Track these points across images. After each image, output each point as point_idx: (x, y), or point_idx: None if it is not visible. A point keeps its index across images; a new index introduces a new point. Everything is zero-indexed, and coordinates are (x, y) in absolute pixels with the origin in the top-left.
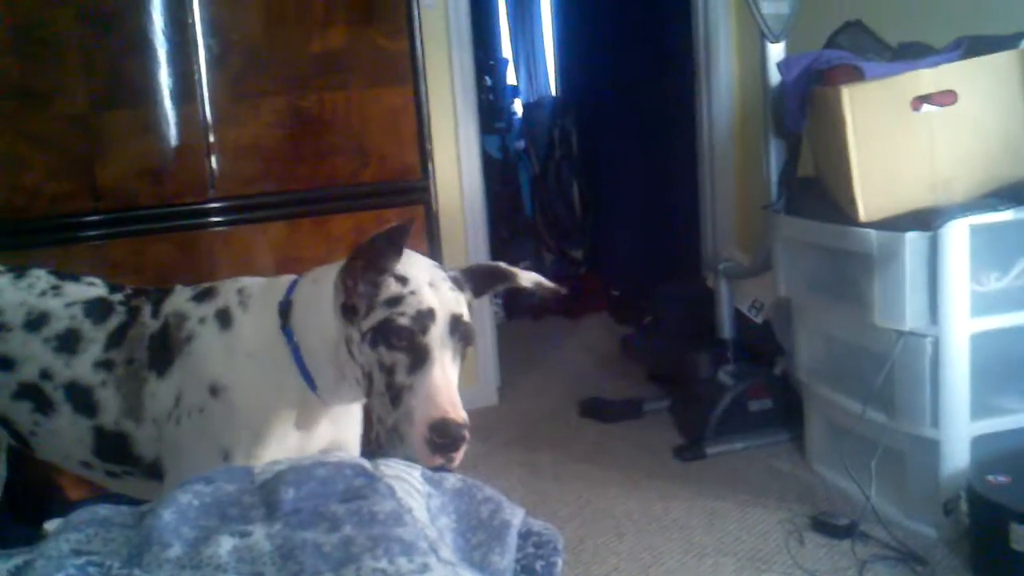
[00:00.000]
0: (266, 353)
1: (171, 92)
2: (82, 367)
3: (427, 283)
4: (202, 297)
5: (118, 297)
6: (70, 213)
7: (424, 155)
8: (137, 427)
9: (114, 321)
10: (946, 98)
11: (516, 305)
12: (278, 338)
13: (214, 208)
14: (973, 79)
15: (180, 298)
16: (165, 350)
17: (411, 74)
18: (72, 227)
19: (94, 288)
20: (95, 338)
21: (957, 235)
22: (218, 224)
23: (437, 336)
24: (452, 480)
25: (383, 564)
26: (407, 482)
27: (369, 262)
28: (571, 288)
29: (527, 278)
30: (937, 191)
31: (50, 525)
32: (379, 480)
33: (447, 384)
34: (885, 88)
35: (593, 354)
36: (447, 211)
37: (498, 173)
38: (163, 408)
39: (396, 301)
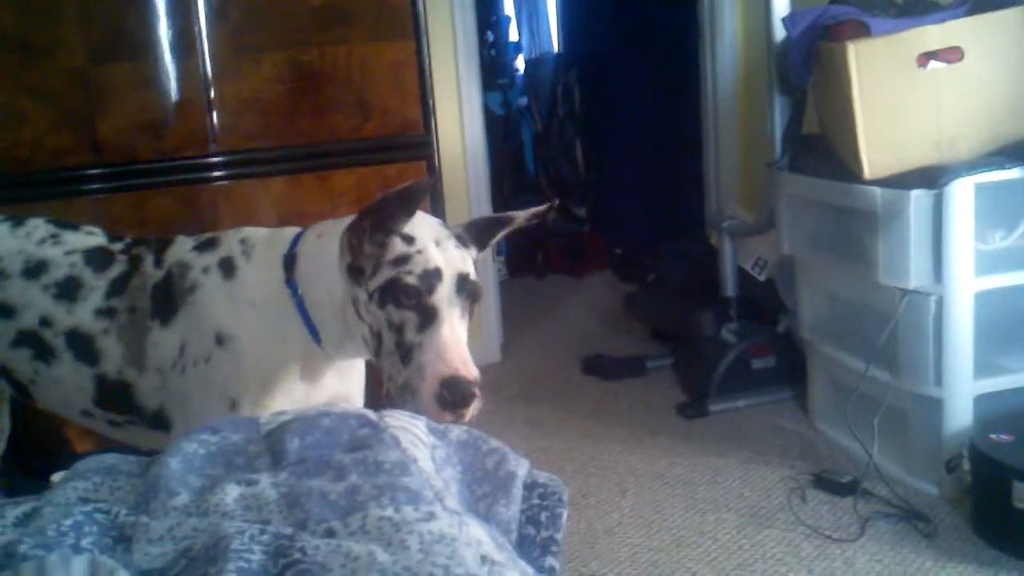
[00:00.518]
0: (270, 304)
1: (171, 45)
2: (83, 314)
3: (433, 241)
4: (205, 247)
5: (118, 246)
6: (71, 167)
7: (426, 110)
8: (140, 376)
9: (115, 270)
10: (952, 55)
11: (519, 263)
12: (282, 290)
13: (215, 162)
14: (980, 36)
15: (183, 248)
16: (168, 300)
17: (413, 28)
18: (73, 180)
19: (93, 237)
20: (96, 286)
21: (962, 193)
22: (219, 178)
23: (445, 295)
24: (457, 431)
25: (389, 512)
26: (412, 433)
27: (378, 222)
28: (574, 246)
29: (522, 216)
30: (942, 149)
31: (57, 477)
32: (384, 431)
33: (456, 341)
34: (891, 44)
35: (596, 312)
36: (449, 167)
37: (500, 130)
38: (167, 357)
39: (403, 260)
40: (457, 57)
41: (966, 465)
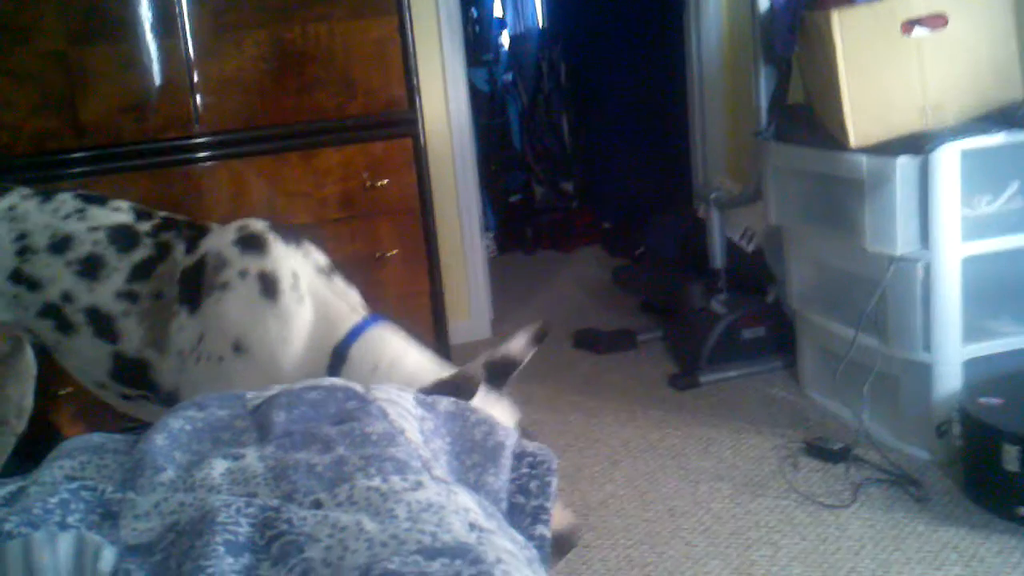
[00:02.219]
0: (304, 362)
1: (152, 26)
2: (104, 294)
3: (478, 399)
4: (248, 246)
5: (145, 227)
6: (54, 150)
7: (411, 87)
8: (160, 357)
9: (140, 253)
10: (936, 21)
11: (508, 239)
12: (322, 373)
13: (199, 143)
14: (963, 2)
15: (221, 239)
16: (196, 287)
17: (395, 4)
18: (56, 164)
19: (119, 213)
20: (118, 267)
21: (948, 159)
22: (204, 159)
23: None
24: (445, 403)
25: (376, 482)
26: (400, 405)
27: None
28: (563, 222)
29: (521, 348)
30: (927, 115)
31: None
32: (371, 403)
33: None
34: (875, 11)
35: (586, 286)
36: (435, 145)
37: (486, 106)
38: (188, 343)
39: None
40: (441, 33)
41: (956, 429)
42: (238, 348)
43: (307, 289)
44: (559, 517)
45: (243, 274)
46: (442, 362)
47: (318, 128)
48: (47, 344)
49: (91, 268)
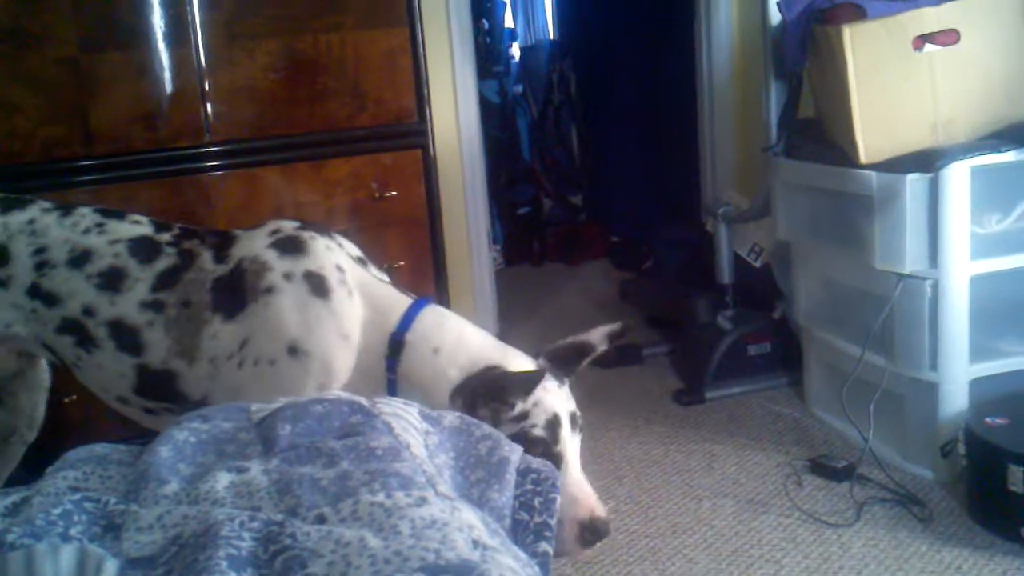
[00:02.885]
0: (363, 360)
1: (164, 34)
2: (126, 306)
3: (541, 388)
4: (287, 249)
5: (165, 237)
6: (64, 158)
7: (421, 98)
8: (189, 366)
9: (163, 263)
10: (948, 37)
11: (516, 252)
12: (378, 362)
13: (210, 152)
14: (976, 18)
15: (255, 243)
16: (237, 294)
17: (407, 15)
18: (67, 172)
19: (139, 226)
20: (141, 278)
21: (958, 177)
22: (214, 168)
23: (567, 437)
24: (450, 418)
25: (380, 498)
26: (404, 419)
27: (492, 395)
28: (571, 235)
29: (600, 341)
30: (938, 132)
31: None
32: (376, 417)
33: (582, 482)
34: (887, 27)
35: (592, 300)
36: (445, 156)
37: (496, 118)
38: (225, 349)
39: (524, 416)
40: (452, 44)
41: (961, 449)
42: (293, 350)
43: (353, 282)
44: (592, 506)
45: (288, 276)
46: (499, 342)
47: (328, 138)
48: (67, 362)
49: (112, 280)
